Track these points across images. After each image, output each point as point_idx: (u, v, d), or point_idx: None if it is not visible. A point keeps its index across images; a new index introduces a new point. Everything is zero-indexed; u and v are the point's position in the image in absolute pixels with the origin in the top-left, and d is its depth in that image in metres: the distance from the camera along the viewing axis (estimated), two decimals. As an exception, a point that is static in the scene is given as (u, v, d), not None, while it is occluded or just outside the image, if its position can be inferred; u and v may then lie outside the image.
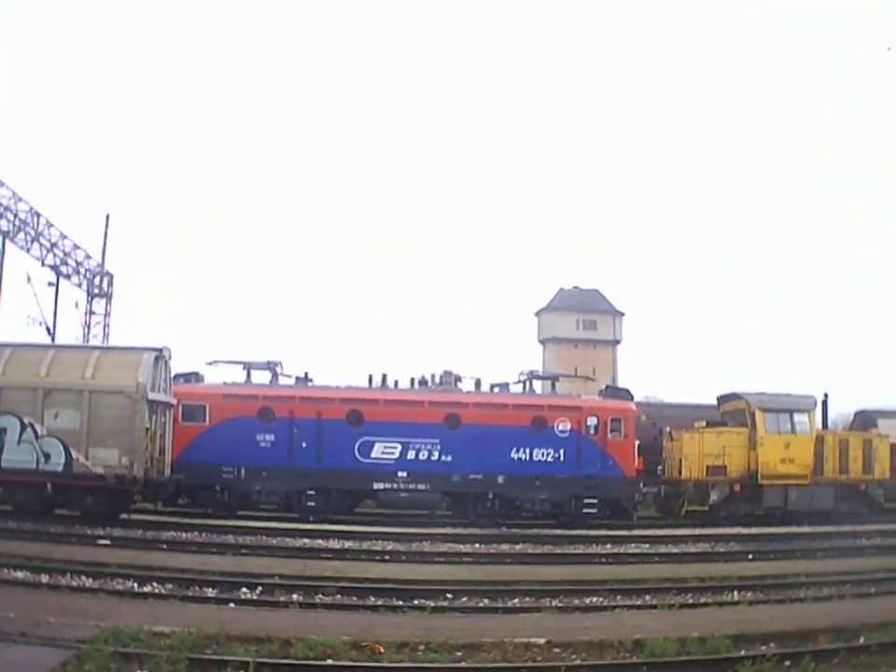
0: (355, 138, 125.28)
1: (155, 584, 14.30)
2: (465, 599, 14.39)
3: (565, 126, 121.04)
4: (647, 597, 14.92)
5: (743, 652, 10.57)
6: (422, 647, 10.45)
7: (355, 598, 14.09)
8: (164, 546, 19.49)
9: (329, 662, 9.63)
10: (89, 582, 14.28)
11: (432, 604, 13.63)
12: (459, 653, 10.37)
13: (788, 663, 10.32)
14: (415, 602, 13.77)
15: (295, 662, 9.56)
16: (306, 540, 21.36)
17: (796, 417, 29.98)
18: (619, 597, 14.84)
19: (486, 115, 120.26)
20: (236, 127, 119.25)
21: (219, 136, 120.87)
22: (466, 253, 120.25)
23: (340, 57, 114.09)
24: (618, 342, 72.07)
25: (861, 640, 11.39)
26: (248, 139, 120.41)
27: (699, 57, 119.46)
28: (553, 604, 14.29)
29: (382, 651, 10.19)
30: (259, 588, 14.41)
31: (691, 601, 14.76)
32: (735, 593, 15.60)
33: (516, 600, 14.53)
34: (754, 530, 26.61)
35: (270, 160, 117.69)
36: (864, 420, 34.68)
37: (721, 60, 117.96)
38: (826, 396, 31.58)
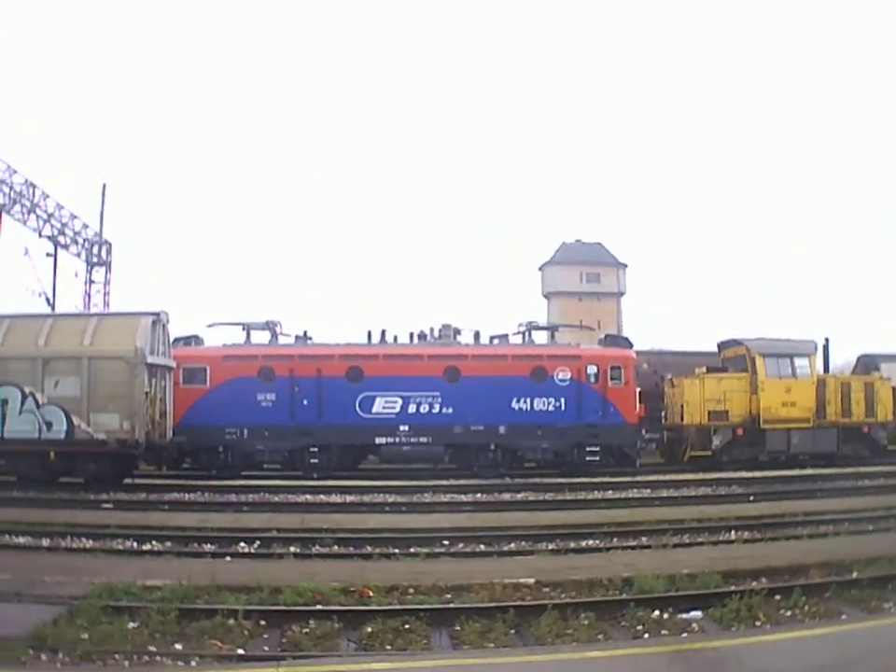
0: (359, 98, 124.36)
1: (154, 543, 14.42)
2: (461, 546, 14.48)
3: (567, 78, 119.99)
4: (642, 539, 14.91)
5: (732, 588, 10.55)
6: (411, 590, 10.53)
7: (351, 548, 14.14)
8: (166, 507, 19.61)
9: (319, 607, 9.69)
10: (88, 544, 14.36)
11: (426, 550, 13.69)
12: (448, 595, 10.42)
13: (778, 597, 10.33)
14: (411, 550, 13.81)
15: (284, 608, 9.64)
16: (308, 496, 21.44)
17: (797, 361, 29.99)
18: (614, 539, 14.87)
19: (492, 70, 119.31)
20: (235, 98, 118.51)
21: (219, 105, 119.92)
22: (470, 209, 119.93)
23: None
24: (622, 294, 71.54)
25: (854, 575, 11.41)
26: (248, 106, 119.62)
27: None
28: (548, 547, 14.34)
29: (371, 594, 10.27)
30: (257, 542, 14.47)
31: (686, 541, 14.76)
32: (732, 532, 15.61)
33: (511, 545, 14.58)
34: (757, 473, 26.49)
35: (270, 123, 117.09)
36: (867, 364, 34.63)
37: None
38: (827, 341, 31.60)
